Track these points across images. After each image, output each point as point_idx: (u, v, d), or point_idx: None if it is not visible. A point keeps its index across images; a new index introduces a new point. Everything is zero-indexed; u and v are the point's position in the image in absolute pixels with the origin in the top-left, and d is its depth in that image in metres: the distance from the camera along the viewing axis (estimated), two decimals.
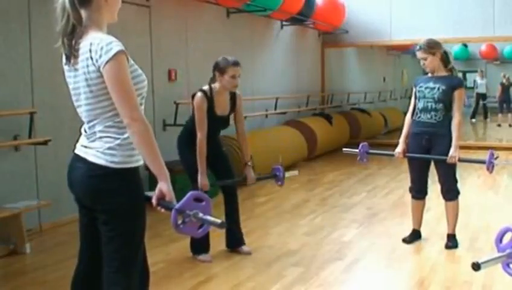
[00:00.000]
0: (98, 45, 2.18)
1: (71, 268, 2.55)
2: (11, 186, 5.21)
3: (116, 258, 2.32)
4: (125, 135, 2.25)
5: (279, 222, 5.84)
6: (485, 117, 19.33)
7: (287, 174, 4.97)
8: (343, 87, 14.28)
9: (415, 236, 5.06)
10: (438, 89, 4.72)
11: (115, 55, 2.16)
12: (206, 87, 4.52)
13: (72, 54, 2.25)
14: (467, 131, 15.59)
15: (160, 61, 7.27)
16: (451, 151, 4.65)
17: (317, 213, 6.32)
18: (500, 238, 2.21)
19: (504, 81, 18.14)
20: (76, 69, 2.27)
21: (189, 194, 2.16)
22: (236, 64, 4.52)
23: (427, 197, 5.03)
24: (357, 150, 5.23)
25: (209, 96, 4.47)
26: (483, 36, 11.51)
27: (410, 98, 5.21)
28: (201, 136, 4.39)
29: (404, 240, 5.02)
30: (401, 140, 4.98)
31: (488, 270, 4.30)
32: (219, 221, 2.15)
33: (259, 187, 7.74)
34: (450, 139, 4.68)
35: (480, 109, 19.22)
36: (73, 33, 2.25)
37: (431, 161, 4.86)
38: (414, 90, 4.94)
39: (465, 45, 19.80)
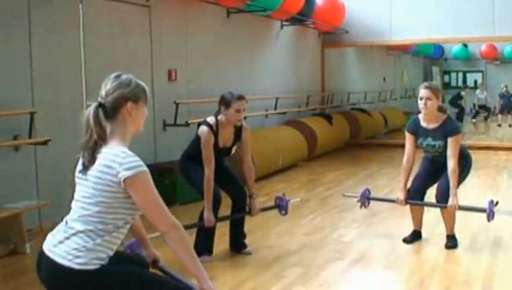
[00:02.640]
0: (124, 158, 2.21)
1: None
2: (11, 186, 5.20)
3: None
4: (98, 241, 2.25)
5: (279, 222, 5.83)
6: (486, 118, 19.38)
7: (290, 202, 5.02)
8: (343, 87, 14.27)
9: (415, 236, 5.06)
10: (439, 146, 4.72)
11: (140, 173, 2.20)
12: (211, 120, 4.47)
13: (90, 164, 2.27)
14: (467, 131, 15.60)
15: (160, 61, 7.27)
16: (450, 201, 4.63)
17: (317, 213, 6.32)
18: None
19: (503, 91, 18.13)
20: (87, 174, 2.29)
21: None
22: (241, 98, 4.44)
23: (426, 198, 5.03)
24: (358, 195, 5.24)
25: (215, 131, 4.45)
26: (483, 36, 11.51)
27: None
28: (208, 172, 4.36)
29: (405, 240, 5.02)
30: (401, 187, 4.93)
31: (488, 270, 4.31)
32: None
33: (260, 187, 7.74)
34: (462, 161, 4.68)
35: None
36: (96, 146, 2.27)
37: (439, 176, 4.83)
38: (407, 135, 4.89)
39: (465, 45, 19.81)
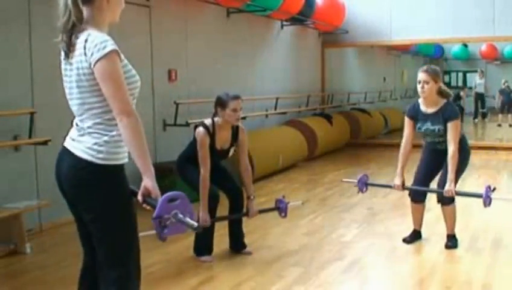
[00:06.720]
0: (92, 42, 2.22)
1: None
2: (11, 186, 5.21)
3: (109, 257, 2.34)
4: (113, 133, 2.27)
5: (279, 222, 5.82)
6: (484, 117, 19.35)
7: (290, 205, 5.02)
8: (343, 87, 14.27)
9: (415, 236, 5.06)
10: (438, 130, 4.68)
11: (108, 53, 2.19)
12: (208, 122, 4.49)
13: (69, 50, 2.29)
14: (468, 131, 15.57)
15: (160, 61, 7.27)
16: (447, 185, 4.59)
17: (317, 213, 6.32)
18: None
19: (504, 87, 18.11)
20: (71, 64, 2.30)
21: (162, 198, 2.16)
22: (236, 98, 4.46)
23: (428, 197, 5.03)
24: (355, 181, 5.23)
25: (211, 132, 4.46)
26: (483, 36, 11.51)
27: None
28: (204, 172, 4.37)
29: (405, 240, 5.02)
30: (398, 172, 4.92)
31: (488, 270, 4.31)
32: (195, 224, 2.15)
33: (259, 187, 7.74)
34: (460, 155, 4.62)
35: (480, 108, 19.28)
36: (73, 30, 2.28)
37: (438, 168, 4.80)
38: (406, 120, 4.88)
39: (465, 45, 19.81)
